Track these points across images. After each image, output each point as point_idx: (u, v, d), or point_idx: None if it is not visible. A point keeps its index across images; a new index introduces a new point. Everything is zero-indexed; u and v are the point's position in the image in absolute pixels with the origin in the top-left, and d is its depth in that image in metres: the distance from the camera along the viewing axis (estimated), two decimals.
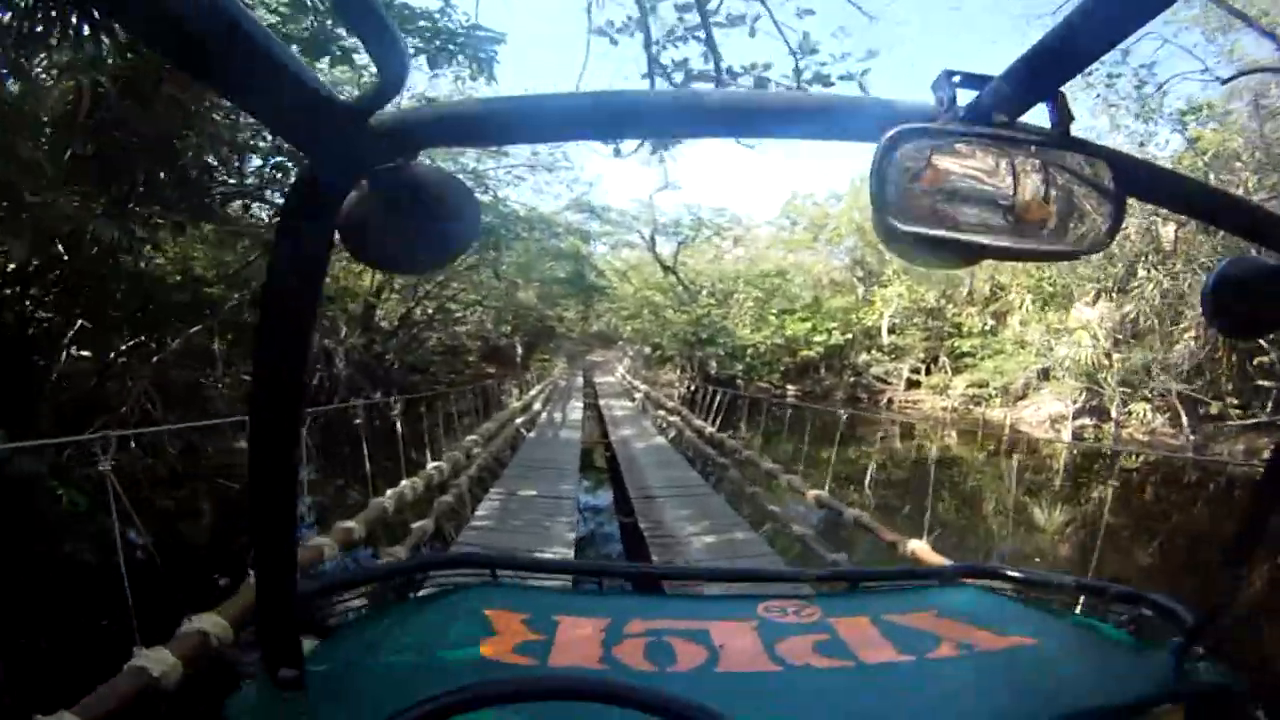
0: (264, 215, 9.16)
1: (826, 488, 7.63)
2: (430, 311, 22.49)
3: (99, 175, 7.02)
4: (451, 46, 7.77)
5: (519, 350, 29.12)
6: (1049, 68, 0.59)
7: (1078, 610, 1.67)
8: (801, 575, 2.18)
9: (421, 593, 1.61)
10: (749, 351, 30.01)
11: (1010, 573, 1.78)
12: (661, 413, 18.28)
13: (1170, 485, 14.44)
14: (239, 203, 11.86)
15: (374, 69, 0.59)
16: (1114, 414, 19.50)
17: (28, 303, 8.40)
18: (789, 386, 30.04)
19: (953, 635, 1.38)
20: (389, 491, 6.70)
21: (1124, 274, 19.11)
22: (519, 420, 15.22)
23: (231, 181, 10.16)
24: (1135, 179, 0.67)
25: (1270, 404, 16.98)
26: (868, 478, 10.42)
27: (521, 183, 20.78)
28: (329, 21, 6.78)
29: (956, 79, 0.61)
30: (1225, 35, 15.75)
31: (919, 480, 7.91)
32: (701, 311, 30.51)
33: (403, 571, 1.68)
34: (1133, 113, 17.35)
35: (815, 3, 7.40)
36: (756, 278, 32.34)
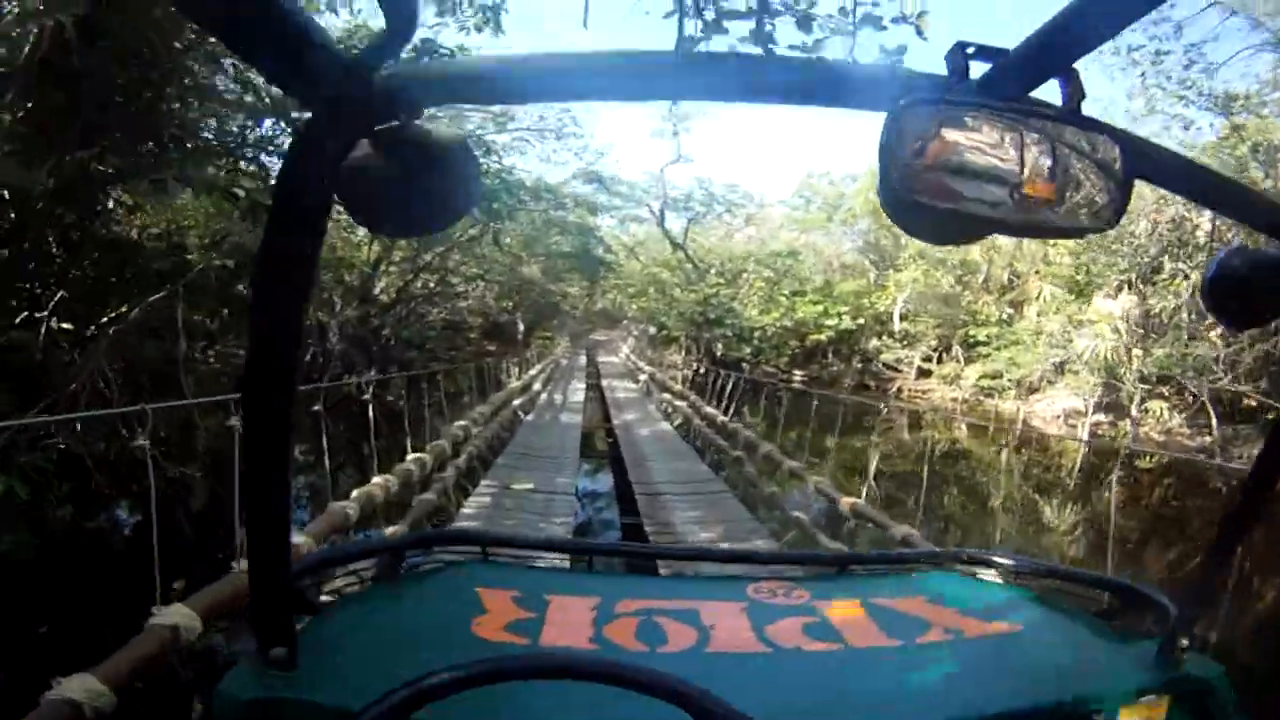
0: (250, 184, 8.62)
1: (865, 495, 7.25)
2: (431, 285, 22.04)
3: (58, 129, 6.57)
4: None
5: (520, 328, 28.68)
6: (1063, 44, 0.60)
7: (1065, 599, 1.66)
8: (791, 557, 2.30)
9: (412, 570, 1.61)
10: (756, 334, 29.54)
11: (998, 559, 1.81)
12: (667, 396, 17.67)
13: (1190, 487, 14.00)
14: (228, 165, 11.34)
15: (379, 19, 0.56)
16: (1133, 411, 19.08)
17: None
18: (795, 371, 29.62)
19: (940, 620, 1.41)
20: (354, 492, 5.80)
21: (1149, 266, 18.60)
22: (517, 402, 14.63)
23: (213, 142, 9.65)
24: (1143, 161, 0.68)
25: None
26: (897, 477, 10.14)
27: (527, 150, 20.24)
28: None
29: (970, 51, 0.62)
30: None
31: (938, 475, 7.83)
32: (710, 290, 29.96)
33: (393, 548, 1.65)
34: (1176, 94, 16.64)
35: None
36: (768, 257, 31.79)
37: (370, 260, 18.36)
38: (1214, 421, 17.40)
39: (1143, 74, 16.66)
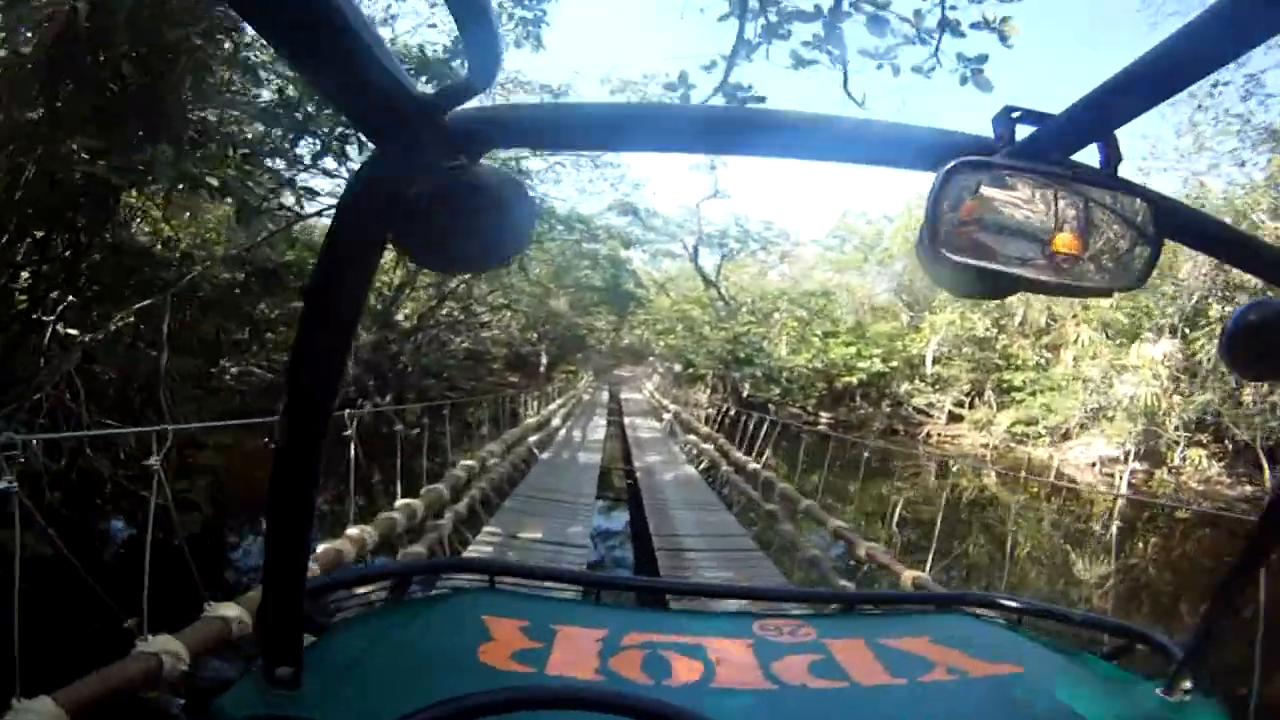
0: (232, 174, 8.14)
1: (889, 541, 6.99)
2: (455, 313, 21.72)
3: (67, 123, 6.26)
4: None
5: (544, 360, 28.25)
6: (1106, 111, 0.62)
7: (1069, 641, 1.67)
8: (798, 595, 2.33)
9: (420, 596, 1.64)
10: (784, 375, 28.97)
11: (1003, 601, 1.84)
12: (693, 437, 16.71)
13: (1232, 540, 13.16)
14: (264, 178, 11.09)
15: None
16: (1175, 459, 18.82)
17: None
18: (822, 414, 29.11)
19: (944, 660, 1.42)
20: (319, 548, 4.88)
21: (1193, 309, 18.19)
22: (533, 438, 13.79)
23: (244, 149, 9.31)
24: (1174, 221, 0.71)
25: None
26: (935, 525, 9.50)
27: (564, 177, 20.02)
28: None
29: (1016, 115, 0.65)
30: None
31: (980, 525, 7.24)
32: (741, 329, 29.50)
33: (402, 573, 1.67)
34: (1232, 130, 16.17)
35: None
36: (801, 296, 31.30)
37: (394, 284, 18.07)
38: (1266, 468, 16.84)
39: (1199, 106, 16.25)
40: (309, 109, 7.05)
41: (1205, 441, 18.24)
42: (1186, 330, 18.44)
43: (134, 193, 8.86)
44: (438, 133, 0.62)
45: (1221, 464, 18.05)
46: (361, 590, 1.62)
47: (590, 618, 1.57)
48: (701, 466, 13.46)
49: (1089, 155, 0.65)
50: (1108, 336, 22.38)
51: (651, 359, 40.97)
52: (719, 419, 18.30)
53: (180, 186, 6.10)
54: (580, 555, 7.00)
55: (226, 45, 7.21)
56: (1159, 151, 18.50)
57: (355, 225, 0.71)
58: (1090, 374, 21.46)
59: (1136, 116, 0.61)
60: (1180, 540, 13.88)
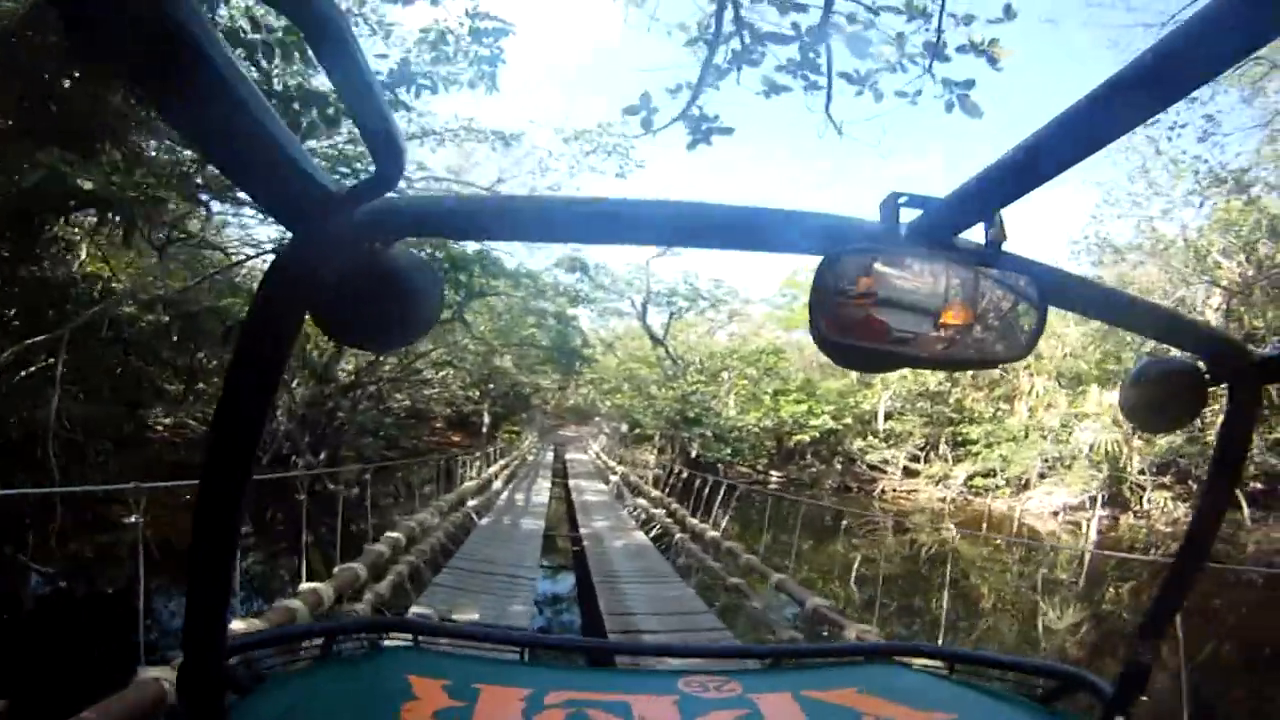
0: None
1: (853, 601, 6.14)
2: (391, 372, 20.96)
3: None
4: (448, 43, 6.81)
5: (486, 419, 27.45)
6: (990, 193, 0.65)
7: (1002, 686, 1.67)
8: (723, 650, 2.36)
9: (344, 654, 1.62)
10: (734, 434, 28.60)
11: (933, 649, 1.88)
12: (643, 502, 15.87)
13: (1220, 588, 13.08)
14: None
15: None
16: (1143, 503, 19.12)
17: None
18: (773, 473, 28.81)
19: (874, 711, 1.42)
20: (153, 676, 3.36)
21: (1150, 354, 18.82)
22: (472, 503, 12.99)
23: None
24: (1058, 290, 0.77)
25: None
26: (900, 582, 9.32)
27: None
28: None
29: (902, 200, 0.68)
30: None
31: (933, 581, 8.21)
32: (690, 388, 29.12)
33: (326, 633, 1.65)
34: (1189, 169, 16.46)
35: None
36: (750, 354, 31.10)
37: (334, 345, 17.35)
38: (1245, 510, 16.99)
39: (1157, 150, 16.55)
40: None
41: (1169, 484, 18.47)
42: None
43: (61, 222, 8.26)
44: (349, 223, 0.66)
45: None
46: (287, 650, 1.62)
47: (515, 677, 1.57)
48: (653, 533, 12.80)
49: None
50: (1060, 385, 22.63)
51: (598, 419, 40.42)
52: (668, 480, 17.79)
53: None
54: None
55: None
56: (1113, 198, 18.86)
57: (274, 303, 0.74)
58: (1050, 423, 21.68)
59: (1017, 199, 0.65)
60: (1149, 586, 13.92)
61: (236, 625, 3.96)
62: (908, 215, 0.69)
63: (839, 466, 29.17)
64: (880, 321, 0.65)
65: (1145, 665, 1.31)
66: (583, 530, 12.41)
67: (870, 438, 28.61)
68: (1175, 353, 1.09)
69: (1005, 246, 0.70)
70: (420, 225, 0.77)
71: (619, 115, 17.92)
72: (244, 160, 0.60)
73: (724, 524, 11.35)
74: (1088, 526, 19.48)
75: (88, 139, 6.59)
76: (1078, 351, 21.51)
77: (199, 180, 8.53)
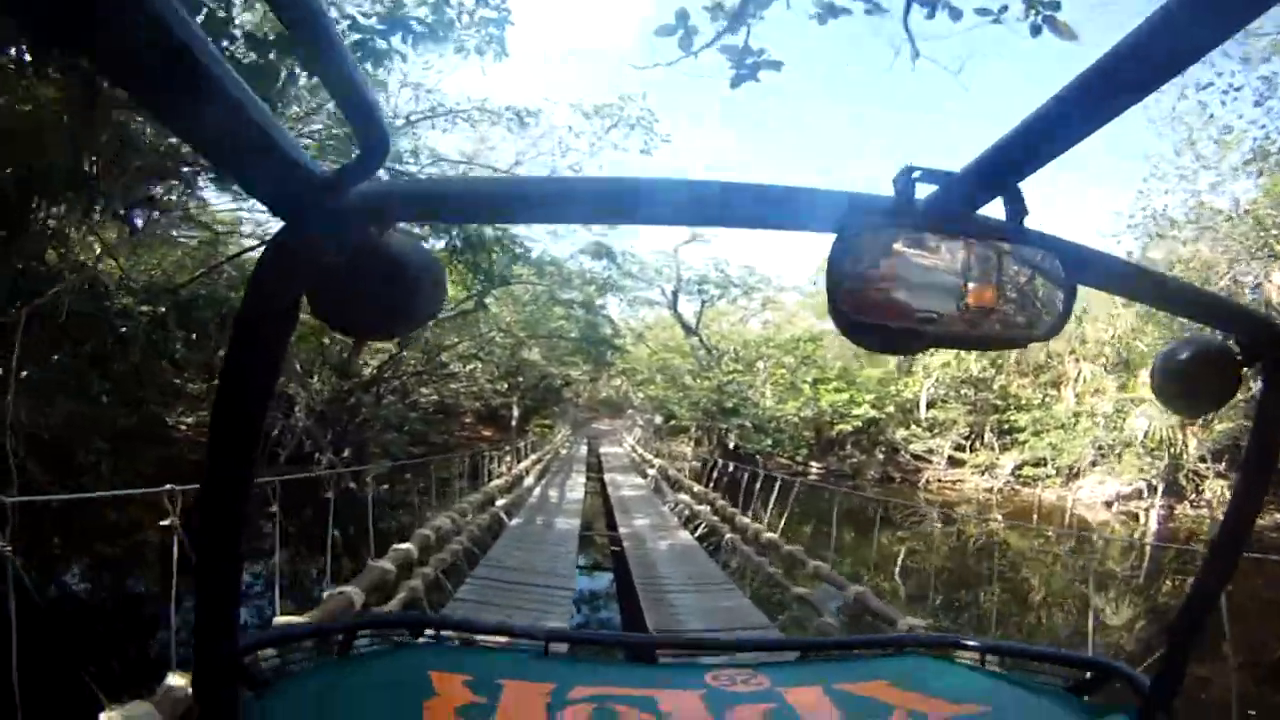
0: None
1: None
2: (415, 366, 20.13)
3: None
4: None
5: (515, 413, 26.60)
6: (1007, 165, 0.63)
7: (1037, 678, 1.62)
8: (751, 643, 2.24)
9: (364, 651, 1.61)
10: (772, 424, 27.72)
11: (965, 640, 1.84)
12: (685, 497, 14.67)
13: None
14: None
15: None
16: (1206, 492, 18.28)
17: None
18: (812, 464, 27.81)
19: (904, 704, 1.40)
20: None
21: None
22: (501, 502, 11.98)
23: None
24: (1085, 268, 0.72)
25: None
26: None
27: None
28: None
29: (916, 174, 0.65)
30: None
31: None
32: (725, 377, 28.17)
33: (344, 629, 1.65)
34: (1230, 144, 15.72)
35: None
36: (787, 342, 30.13)
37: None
38: None
39: (1210, 115, 15.55)
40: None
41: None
42: None
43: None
44: (341, 207, 0.64)
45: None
46: (306, 646, 1.62)
47: (538, 671, 1.54)
48: (698, 532, 11.70)
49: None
50: (1107, 370, 21.75)
51: (630, 411, 39.79)
52: (707, 473, 16.64)
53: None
54: None
55: None
56: (1160, 171, 17.96)
57: (268, 294, 0.73)
58: (1101, 409, 20.79)
59: (1036, 170, 0.63)
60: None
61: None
62: (923, 190, 0.65)
63: (880, 457, 28.36)
64: (899, 300, 0.63)
65: (1184, 658, 1.25)
66: (622, 530, 11.42)
67: (913, 426, 27.74)
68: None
69: (1027, 222, 0.67)
70: (416, 208, 0.77)
71: (640, 86, 16.84)
72: (227, 146, 0.59)
73: (779, 523, 10.19)
74: (1145, 517, 18.76)
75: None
76: (1128, 334, 20.58)
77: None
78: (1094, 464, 21.16)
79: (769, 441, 27.14)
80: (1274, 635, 9.40)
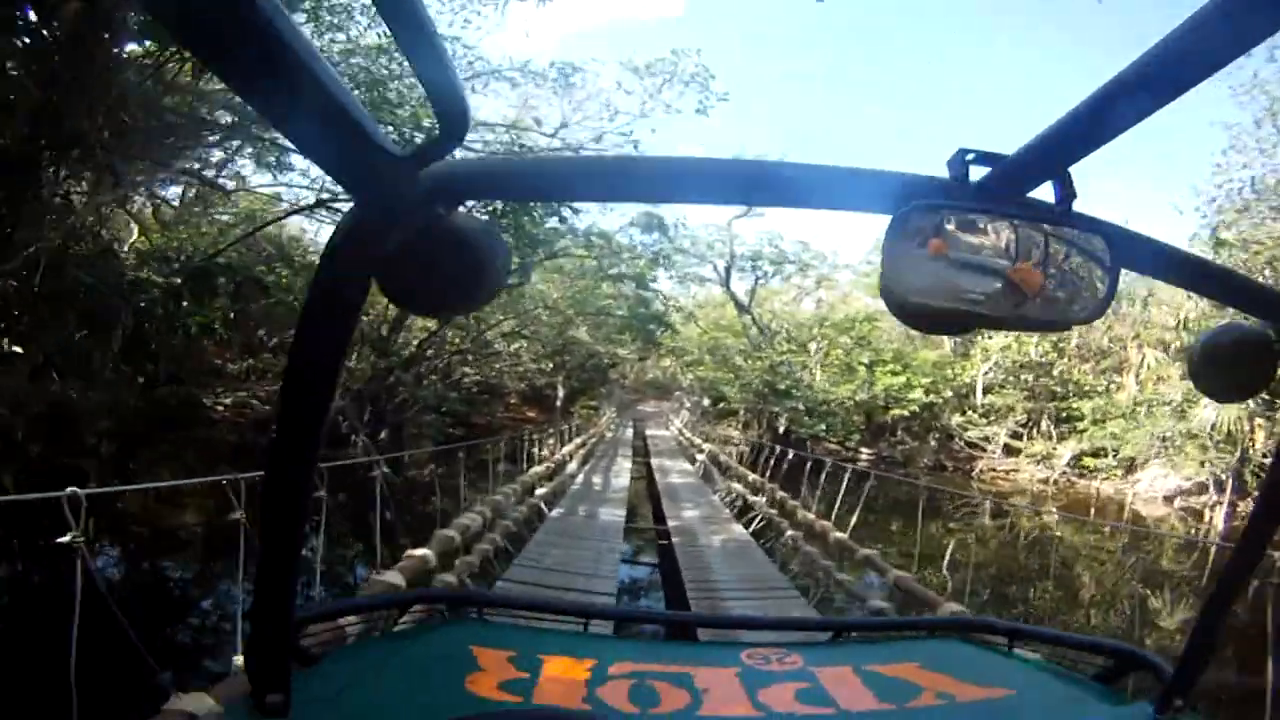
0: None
1: None
2: (458, 344, 19.44)
3: None
4: None
5: (560, 393, 25.85)
6: (1058, 150, 0.64)
7: (1062, 663, 1.67)
8: (785, 623, 2.42)
9: (409, 627, 1.76)
10: (824, 407, 26.65)
11: (994, 624, 1.88)
12: (737, 486, 13.66)
13: None
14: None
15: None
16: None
17: None
18: (863, 450, 26.82)
19: (934, 686, 1.44)
20: None
21: None
22: (541, 491, 11.02)
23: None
24: (1130, 252, 0.73)
25: None
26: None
27: None
28: None
29: (970, 157, 0.67)
30: None
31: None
32: (779, 358, 27.21)
33: (391, 605, 1.80)
34: None
35: None
36: (843, 322, 29.10)
37: (395, 312, 15.89)
38: None
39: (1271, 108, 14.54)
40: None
41: None
42: None
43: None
44: (412, 187, 0.66)
45: None
46: (352, 621, 1.65)
47: (578, 648, 1.59)
48: (753, 526, 10.65)
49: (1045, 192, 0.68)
50: (1172, 357, 20.78)
51: (678, 393, 39.03)
52: (756, 458, 15.45)
53: None
54: None
55: None
56: (1240, 144, 16.68)
57: (338, 272, 0.74)
58: (1169, 397, 19.84)
59: (1086, 155, 0.63)
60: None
61: None
62: (976, 173, 0.67)
63: (933, 444, 27.41)
64: (949, 281, 0.63)
65: (1208, 646, 1.27)
66: (670, 522, 10.43)
67: (969, 412, 26.78)
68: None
69: (1074, 205, 0.68)
70: (486, 188, 0.79)
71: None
72: (308, 125, 0.59)
73: (850, 519, 9.08)
74: (1211, 514, 17.96)
75: None
76: (1199, 319, 19.25)
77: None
78: (1153, 456, 20.36)
79: (823, 426, 26.18)
80: None
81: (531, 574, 6.86)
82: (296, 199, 14.42)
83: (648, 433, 30.34)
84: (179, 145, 7.66)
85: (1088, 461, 22.73)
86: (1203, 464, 18.45)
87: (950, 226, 0.63)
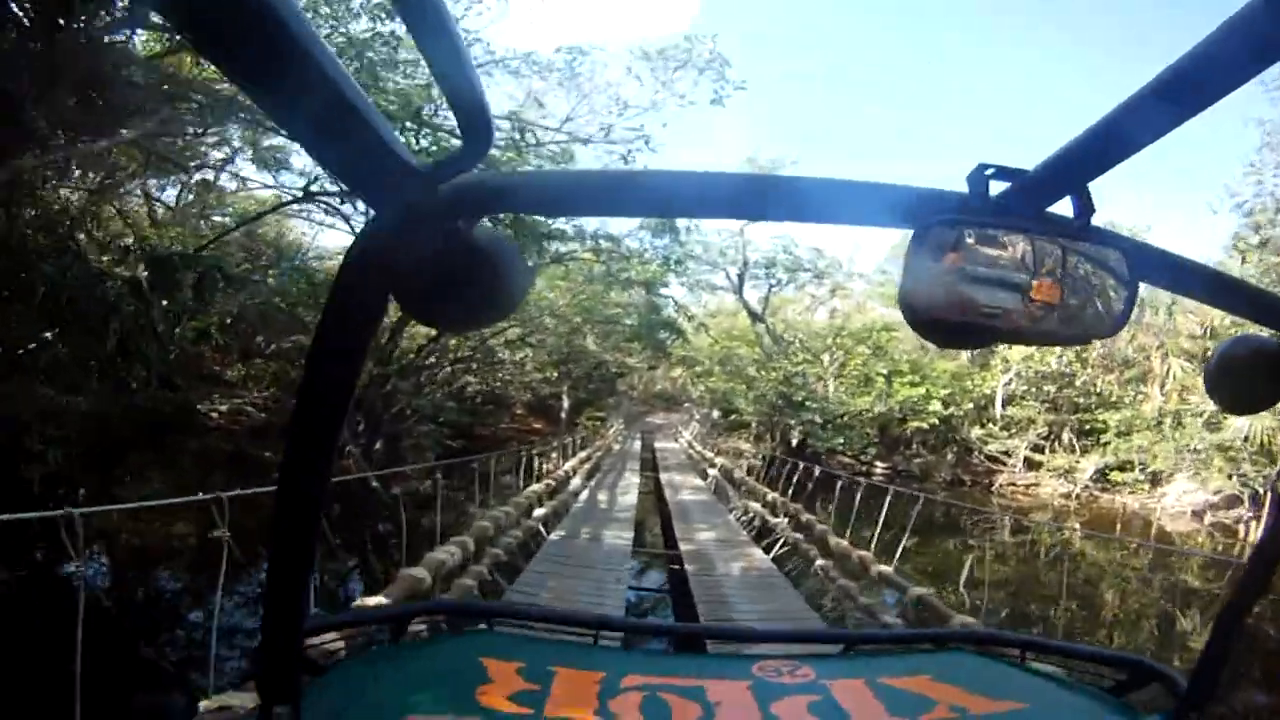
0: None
1: None
2: (459, 352, 18.63)
3: None
4: None
5: (565, 404, 25.01)
6: (1078, 166, 0.64)
7: (1075, 676, 1.65)
8: (797, 635, 2.33)
9: (418, 637, 1.66)
10: (841, 419, 25.94)
11: (1006, 636, 1.93)
12: (755, 505, 12.80)
13: None
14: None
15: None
16: None
17: None
18: (878, 464, 26.06)
19: (946, 699, 1.41)
20: None
21: None
22: (540, 511, 10.25)
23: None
24: (1149, 267, 0.73)
25: None
26: None
27: None
28: None
29: (990, 172, 0.66)
30: None
31: None
32: (794, 368, 26.29)
33: (401, 616, 1.70)
34: None
35: None
36: (860, 331, 28.31)
37: (395, 318, 15.07)
38: None
39: None
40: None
41: None
42: None
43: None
44: (433, 200, 0.65)
45: None
46: (360, 631, 1.69)
47: (589, 660, 1.57)
48: (774, 552, 9.70)
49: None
50: (1198, 367, 20.15)
51: (687, 404, 38.42)
52: (784, 476, 14.36)
53: None
54: None
55: None
56: (1275, 142, 16.70)
57: (356, 284, 0.73)
58: (1201, 408, 19.12)
59: (1106, 171, 0.63)
60: None
61: None
62: (995, 188, 0.67)
63: (951, 457, 26.60)
64: (967, 296, 0.63)
65: (1222, 660, 1.26)
66: (682, 545, 9.60)
67: (988, 425, 26.08)
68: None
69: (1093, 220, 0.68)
70: (507, 201, 0.77)
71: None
72: (328, 135, 0.59)
73: (892, 542, 8.14)
74: (1245, 529, 17.25)
75: None
76: (1226, 328, 18.75)
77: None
78: (1179, 470, 19.84)
79: (840, 439, 25.40)
80: None
81: (523, 609, 5.95)
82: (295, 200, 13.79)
83: (656, 445, 29.78)
84: (127, 114, 6.89)
85: (1112, 475, 22.13)
86: (1231, 476, 17.98)
87: (969, 241, 0.63)
